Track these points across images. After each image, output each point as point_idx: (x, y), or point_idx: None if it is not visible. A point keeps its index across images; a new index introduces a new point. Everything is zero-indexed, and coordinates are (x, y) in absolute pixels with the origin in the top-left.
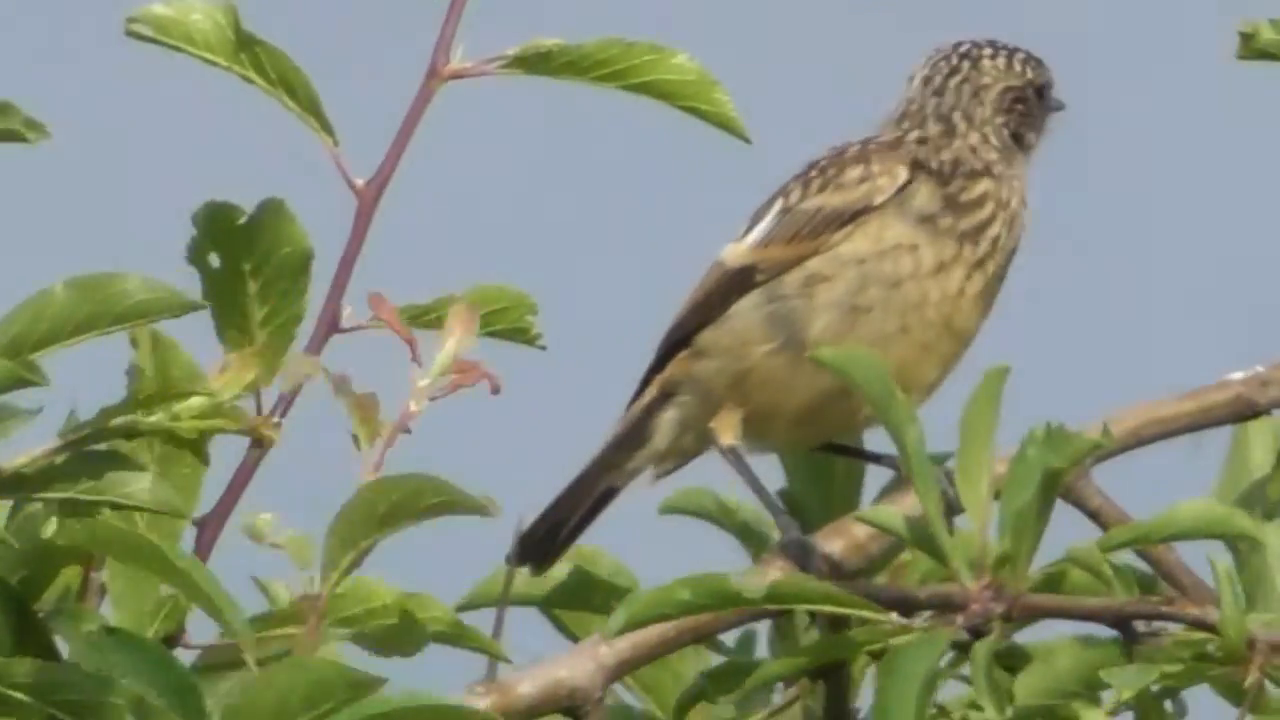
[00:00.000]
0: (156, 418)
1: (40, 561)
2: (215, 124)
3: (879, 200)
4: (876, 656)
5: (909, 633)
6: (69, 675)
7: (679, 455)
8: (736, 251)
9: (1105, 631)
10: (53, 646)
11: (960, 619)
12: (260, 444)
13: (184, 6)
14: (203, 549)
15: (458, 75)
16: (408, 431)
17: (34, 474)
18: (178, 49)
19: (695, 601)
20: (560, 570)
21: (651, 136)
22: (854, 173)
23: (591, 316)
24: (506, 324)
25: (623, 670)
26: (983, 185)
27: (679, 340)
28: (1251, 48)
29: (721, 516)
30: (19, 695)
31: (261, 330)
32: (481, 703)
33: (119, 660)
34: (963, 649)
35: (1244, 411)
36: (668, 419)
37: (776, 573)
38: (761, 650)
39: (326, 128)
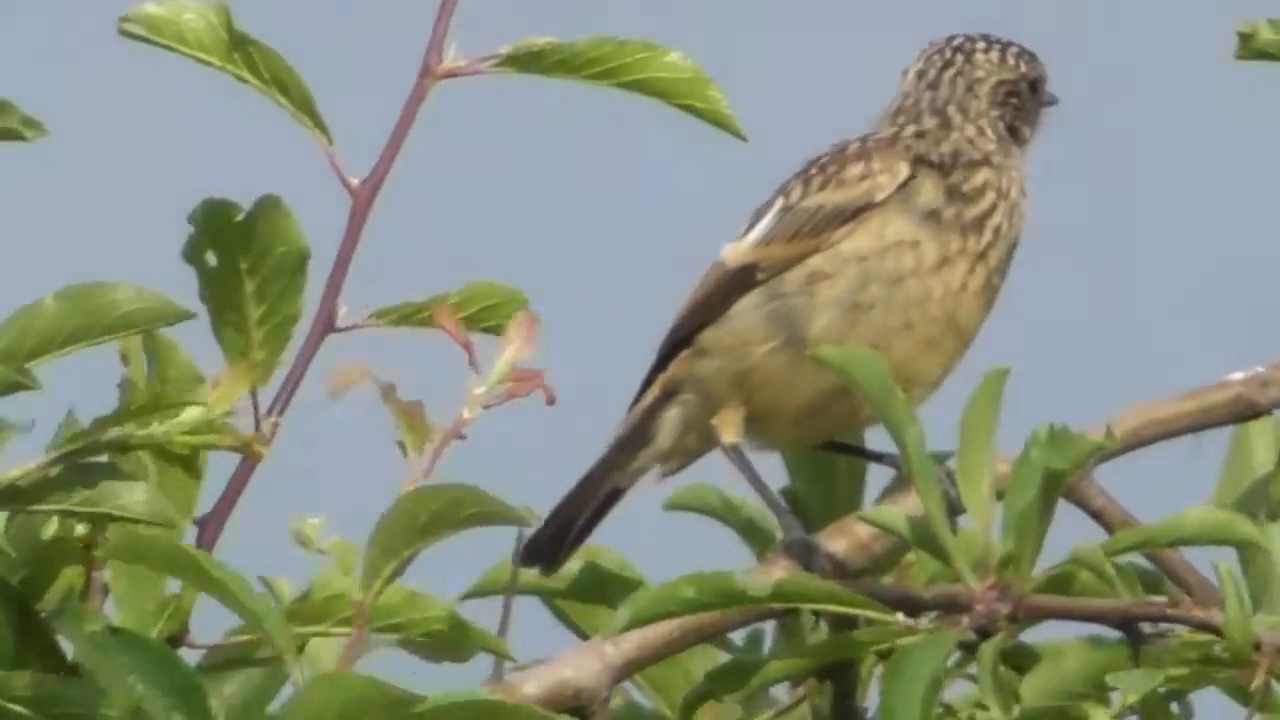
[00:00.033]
0: (149, 431)
1: (42, 562)
2: (210, 124)
3: (880, 197)
4: (884, 656)
5: (915, 633)
6: (68, 689)
7: (683, 454)
8: (737, 250)
9: (1112, 632)
10: (56, 647)
11: (966, 620)
12: (250, 458)
13: (176, 6)
14: (204, 549)
15: (451, 74)
16: (462, 438)
17: (28, 486)
18: (170, 48)
19: (700, 599)
20: (571, 565)
21: (645, 135)
22: (855, 170)
23: (585, 314)
24: (498, 321)
25: (629, 670)
26: (983, 175)
27: (681, 340)
28: (1250, 48)
29: (726, 513)
30: (18, 709)
31: (258, 329)
32: None
33: (123, 660)
34: (969, 648)
35: (1244, 412)
36: (671, 418)
37: (781, 572)
38: (769, 650)
39: (321, 127)
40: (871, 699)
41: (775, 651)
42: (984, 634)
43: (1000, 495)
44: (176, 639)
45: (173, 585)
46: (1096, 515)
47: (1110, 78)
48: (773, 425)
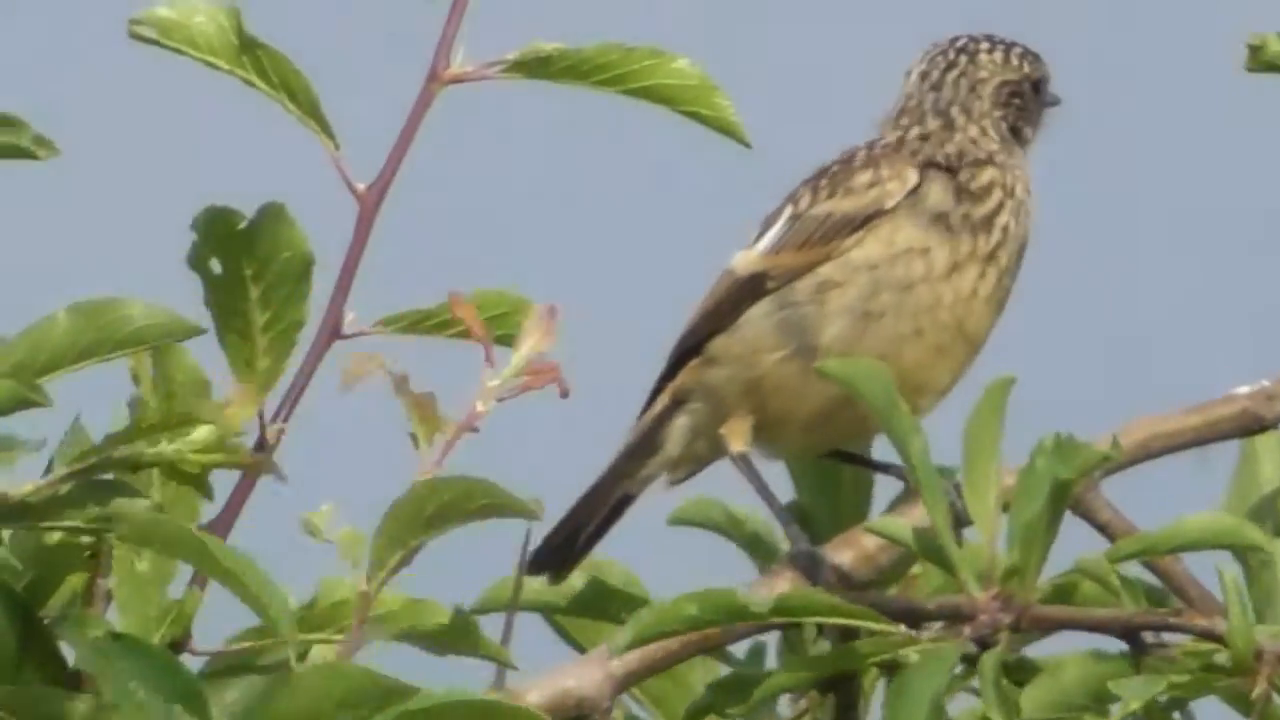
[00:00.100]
0: (160, 449)
1: (46, 568)
2: (217, 128)
3: (890, 204)
4: (886, 669)
5: (917, 644)
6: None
7: (692, 462)
8: (747, 259)
9: (1114, 646)
10: (58, 653)
11: (968, 629)
12: (256, 476)
13: (187, 9)
14: None
15: (458, 79)
16: (475, 431)
17: (39, 503)
18: (180, 52)
19: (702, 617)
20: (575, 579)
21: (652, 141)
22: (863, 177)
23: (593, 321)
24: (507, 329)
25: (631, 681)
26: (988, 174)
27: (690, 348)
28: (1259, 60)
29: (730, 528)
30: None
31: (263, 336)
32: None
33: (125, 666)
34: (972, 661)
35: (1250, 425)
36: (680, 426)
37: (785, 584)
38: (771, 663)
39: (328, 132)
40: (874, 713)
41: (780, 664)
42: (985, 645)
43: (1006, 507)
44: (179, 645)
45: (175, 591)
46: (1103, 528)
47: (1114, 79)
48: (783, 433)
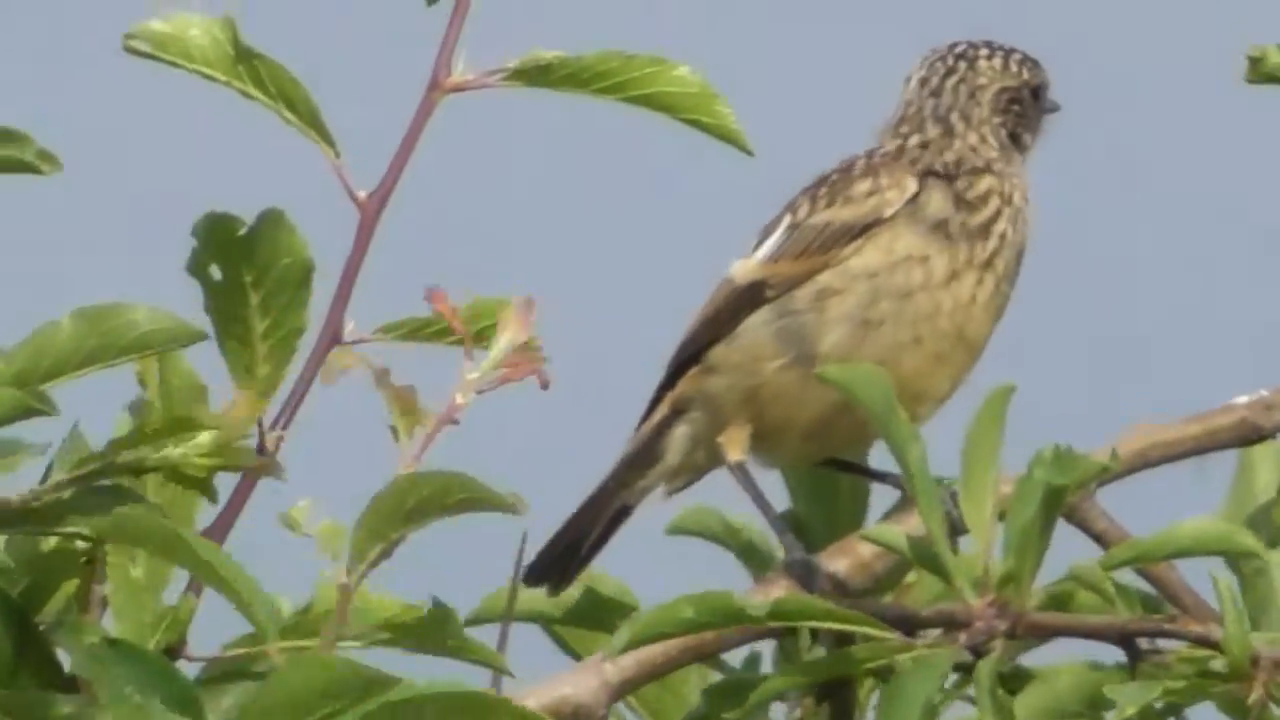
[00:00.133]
0: (165, 454)
1: (41, 574)
2: (217, 137)
3: (889, 213)
4: (881, 677)
5: (912, 650)
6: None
7: (691, 471)
8: (746, 267)
9: (1109, 655)
10: (54, 659)
11: (964, 636)
12: (256, 479)
13: (182, 22)
14: None
15: (459, 87)
16: (455, 423)
17: (41, 508)
18: (176, 65)
19: (699, 619)
20: (570, 591)
21: (653, 149)
22: (862, 186)
23: (593, 330)
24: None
25: (627, 688)
26: (986, 182)
27: (690, 357)
28: (1259, 71)
29: (727, 537)
30: None
31: (263, 342)
32: None
33: (120, 672)
34: (968, 670)
35: (1248, 435)
36: (679, 435)
37: (780, 592)
38: (767, 671)
39: (328, 140)
40: None
41: (775, 673)
42: (981, 653)
43: (1003, 517)
44: (174, 651)
45: (170, 597)
46: (1099, 538)
47: (1114, 86)
48: (782, 441)
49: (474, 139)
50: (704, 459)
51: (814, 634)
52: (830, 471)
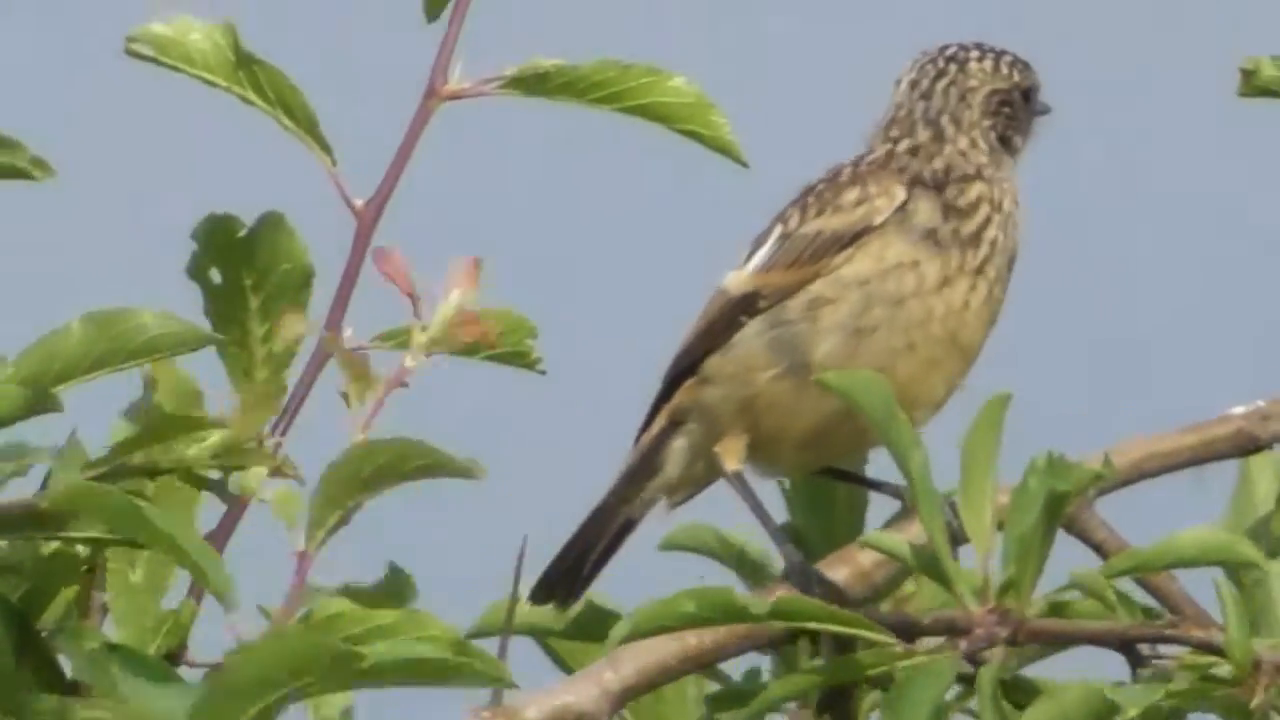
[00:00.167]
0: (177, 455)
1: (42, 578)
2: (215, 142)
3: (878, 220)
4: (881, 686)
5: (913, 657)
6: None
7: (691, 483)
8: (739, 278)
9: (1113, 672)
10: (55, 664)
11: (964, 643)
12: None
13: (183, 26)
14: None
15: (456, 96)
16: (405, 386)
17: (47, 511)
18: (176, 69)
19: (699, 614)
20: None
21: (649, 159)
22: (851, 195)
23: (587, 336)
24: (506, 348)
25: (627, 696)
26: (976, 189)
27: (685, 368)
28: (1253, 85)
29: (723, 552)
30: None
31: (262, 347)
32: None
33: (121, 677)
34: (970, 681)
35: (1245, 446)
36: (678, 448)
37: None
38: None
39: (325, 147)
40: None
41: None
42: (981, 662)
43: (1000, 525)
44: (175, 656)
45: (171, 603)
46: (1098, 548)
47: (1108, 90)
48: (778, 451)
49: (470, 147)
50: (703, 470)
51: (814, 645)
52: (827, 482)
